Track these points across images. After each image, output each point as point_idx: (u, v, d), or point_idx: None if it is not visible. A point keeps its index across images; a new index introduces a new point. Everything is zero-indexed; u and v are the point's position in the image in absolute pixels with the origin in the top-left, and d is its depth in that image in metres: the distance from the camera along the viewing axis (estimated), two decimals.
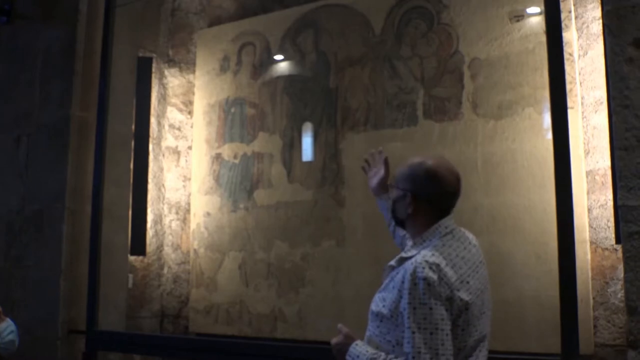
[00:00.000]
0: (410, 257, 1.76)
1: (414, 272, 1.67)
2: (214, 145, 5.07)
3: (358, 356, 1.77)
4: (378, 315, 1.78)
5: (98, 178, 4.22)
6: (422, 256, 1.71)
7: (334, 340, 1.87)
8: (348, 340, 1.83)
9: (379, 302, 1.79)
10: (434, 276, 1.65)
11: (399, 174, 1.89)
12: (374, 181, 2.30)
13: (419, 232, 1.84)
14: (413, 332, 1.64)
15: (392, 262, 1.84)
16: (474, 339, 1.72)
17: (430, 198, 1.82)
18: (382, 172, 2.27)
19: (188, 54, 5.42)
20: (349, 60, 4.50)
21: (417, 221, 1.84)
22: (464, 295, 1.68)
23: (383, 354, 1.73)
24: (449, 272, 1.68)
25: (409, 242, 1.90)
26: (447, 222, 1.82)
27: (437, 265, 1.68)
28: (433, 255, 1.71)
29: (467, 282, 1.71)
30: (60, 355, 4.20)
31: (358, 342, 1.81)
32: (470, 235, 1.90)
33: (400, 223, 1.93)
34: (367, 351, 1.76)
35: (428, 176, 1.81)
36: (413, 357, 1.63)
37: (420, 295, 1.65)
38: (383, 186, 2.25)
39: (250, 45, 5.00)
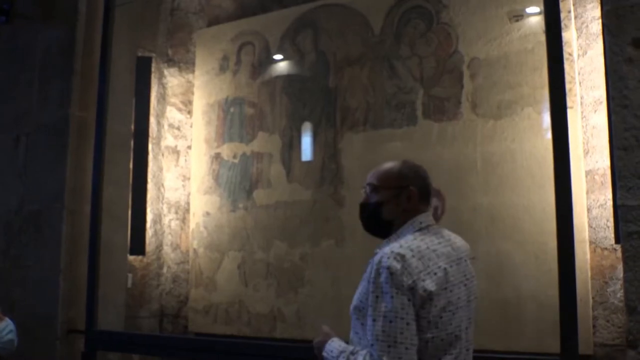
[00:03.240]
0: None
1: (380, 261, 1.69)
2: (213, 145, 5.07)
3: (332, 351, 1.80)
4: (355, 310, 1.80)
5: (97, 178, 4.22)
6: (389, 247, 1.73)
7: (315, 340, 1.90)
8: (326, 338, 1.86)
9: (355, 297, 1.81)
10: (397, 265, 1.66)
11: (383, 176, 1.88)
12: None
13: (398, 227, 1.85)
14: (374, 320, 1.65)
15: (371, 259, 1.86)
16: (446, 333, 1.70)
17: (423, 190, 1.87)
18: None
19: (187, 53, 5.42)
20: (348, 60, 4.50)
21: (406, 214, 1.84)
22: (428, 285, 1.67)
23: (351, 347, 1.75)
24: (414, 262, 1.68)
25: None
26: (423, 217, 1.84)
27: (402, 255, 1.68)
28: (401, 247, 1.72)
29: (435, 274, 1.71)
30: (59, 355, 4.19)
31: (334, 338, 1.84)
32: (453, 235, 1.89)
33: (377, 227, 1.91)
34: (339, 345, 1.79)
35: (416, 171, 1.88)
36: (371, 345, 1.64)
37: (382, 284, 1.66)
38: None
39: (250, 45, 5.00)
